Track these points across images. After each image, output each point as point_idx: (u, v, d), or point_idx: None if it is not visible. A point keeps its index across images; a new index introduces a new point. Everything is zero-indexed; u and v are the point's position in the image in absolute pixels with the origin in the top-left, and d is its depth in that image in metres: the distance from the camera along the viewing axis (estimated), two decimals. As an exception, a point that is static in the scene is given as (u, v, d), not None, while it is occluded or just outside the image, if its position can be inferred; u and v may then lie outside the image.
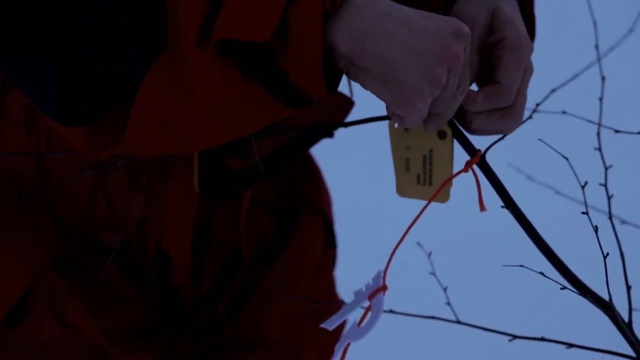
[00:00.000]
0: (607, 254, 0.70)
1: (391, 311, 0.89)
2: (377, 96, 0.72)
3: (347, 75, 0.72)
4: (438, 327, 0.98)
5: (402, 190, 0.85)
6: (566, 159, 0.73)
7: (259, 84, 0.70)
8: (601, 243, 0.74)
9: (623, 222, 1.01)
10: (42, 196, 0.98)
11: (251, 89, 0.70)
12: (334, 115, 1.04)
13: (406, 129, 0.81)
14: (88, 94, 0.75)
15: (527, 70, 0.81)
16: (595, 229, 0.71)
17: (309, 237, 1.14)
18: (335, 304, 1.18)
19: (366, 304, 0.75)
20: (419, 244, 0.92)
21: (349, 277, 1.36)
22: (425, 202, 0.78)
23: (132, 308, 1.02)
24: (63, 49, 0.72)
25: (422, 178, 0.83)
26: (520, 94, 0.80)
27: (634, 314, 0.77)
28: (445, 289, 0.93)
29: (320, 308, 1.13)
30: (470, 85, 0.78)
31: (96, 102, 0.76)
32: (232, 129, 0.77)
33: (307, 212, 1.15)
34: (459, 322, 0.89)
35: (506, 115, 0.79)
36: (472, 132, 0.82)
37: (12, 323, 0.98)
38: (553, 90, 0.83)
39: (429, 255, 0.98)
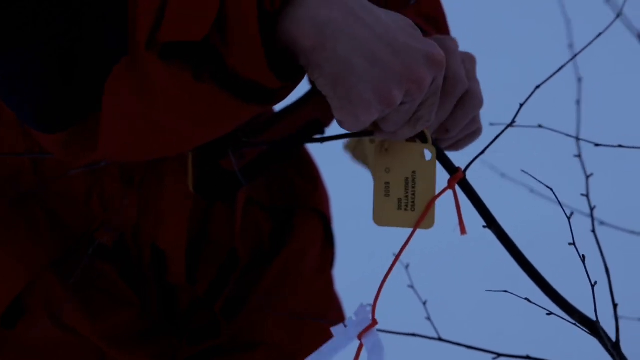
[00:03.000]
0: (596, 282, 0.68)
1: (370, 328, 0.86)
2: (326, 97, 0.70)
3: (306, 71, 0.69)
4: (418, 344, 0.96)
5: (380, 218, 0.79)
6: (551, 189, 0.72)
7: (212, 82, 0.68)
8: (584, 247, 0.71)
9: (602, 223, 1.01)
10: (39, 197, 0.99)
11: (206, 88, 0.68)
12: (324, 113, 1.03)
13: (386, 149, 0.77)
14: (74, 96, 0.73)
15: (467, 59, 0.82)
16: (583, 258, 0.69)
17: (307, 238, 1.14)
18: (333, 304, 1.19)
19: (355, 342, 0.72)
20: (395, 255, 0.89)
21: (347, 277, 1.35)
22: (407, 229, 0.75)
23: (130, 309, 1.03)
24: (59, 50, 0.71)
25: (403, 203, 0.78)
26: (472, 79, 0.81)
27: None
28: (425, 303, 0.91)
29: (319, 308, 1.14)
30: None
31: (73, 106, 0.74)
32: (204, 129, 0.75)
33: (305, 212, 1.14)
34: (440, 339, 0.87)
35: (466, 99, 0.79)
36: (450, 140, 0.82)
37: (9, 324, 0.98)
38: (537, 87, 0.81)
39: (407, 267, 0.96)
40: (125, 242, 1.01)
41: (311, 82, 0.72)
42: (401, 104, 0.69)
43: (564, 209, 0.70)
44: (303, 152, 1.18)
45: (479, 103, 0.81)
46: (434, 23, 0.96)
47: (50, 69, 0.71)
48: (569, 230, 0.70)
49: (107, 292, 1.01)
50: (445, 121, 0.80)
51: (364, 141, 0.81)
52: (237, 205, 1.05)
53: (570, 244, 0.69)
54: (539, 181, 0.71)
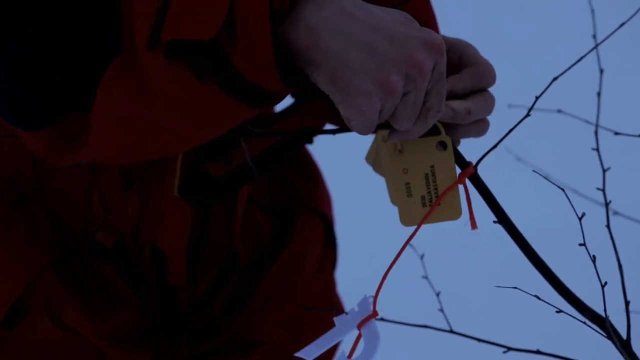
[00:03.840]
0: (606, 283, 0.68)
1: (381, 319, 0.86)
2: (329, 95, 0.70)
3: (307, 74, 0.70)
4: (429, 335, 0.96)
5: (407, 219, 0.78)
6: (563, 190, 0.71)
7: (214, 83, 0.69)
8: (597, 242, 0.71)
9: (615, 213, 1.00)
10: (39, 197, 0.98)
11: (207, 88, 0.69)
12: (316, 119, 1.03)
13: (400, 150, 0.77)
14: (73, 96, 0.73)
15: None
16: (593, 258, 0.68)
17: (308, 238, 1.14)
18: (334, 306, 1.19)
19: (355, 332, 0.72)
20: (411, 245, 0.89)
21: (348, 277, 1.35)
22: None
23: (130, 310, 1.03)
24: (59, 50, 0.71)
25: (427, 199, 0.77)
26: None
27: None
28: (438, 294, 0.91)
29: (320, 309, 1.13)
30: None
31: (56, 104, 0.75)
32: (204, 129, 0.76)
33: (306, 212, 1.14)
34: (451, 331, 0.87)
35: (484, 125, 0.79)
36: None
37: (10, 324, 0.98)
38: (555, 79, 0.80)
39: (422, 257, 0.95)
40: (126, 243, 1.01)
41: (311, 84, 0.72)
42: (406, 94, 0.69)
43: (576, 206, 0.69)
44: (303, 152, 1.17)
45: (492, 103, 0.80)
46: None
47: (50, 69, 0.71)
48: (581, 227, 0.69)
49: (107, 292, 1.01)
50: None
51: (380, 152, 0.80)
52: (237, 205, 1.05)
53: (580, 244, 0.69)
54: (552, 182, 0.70)
